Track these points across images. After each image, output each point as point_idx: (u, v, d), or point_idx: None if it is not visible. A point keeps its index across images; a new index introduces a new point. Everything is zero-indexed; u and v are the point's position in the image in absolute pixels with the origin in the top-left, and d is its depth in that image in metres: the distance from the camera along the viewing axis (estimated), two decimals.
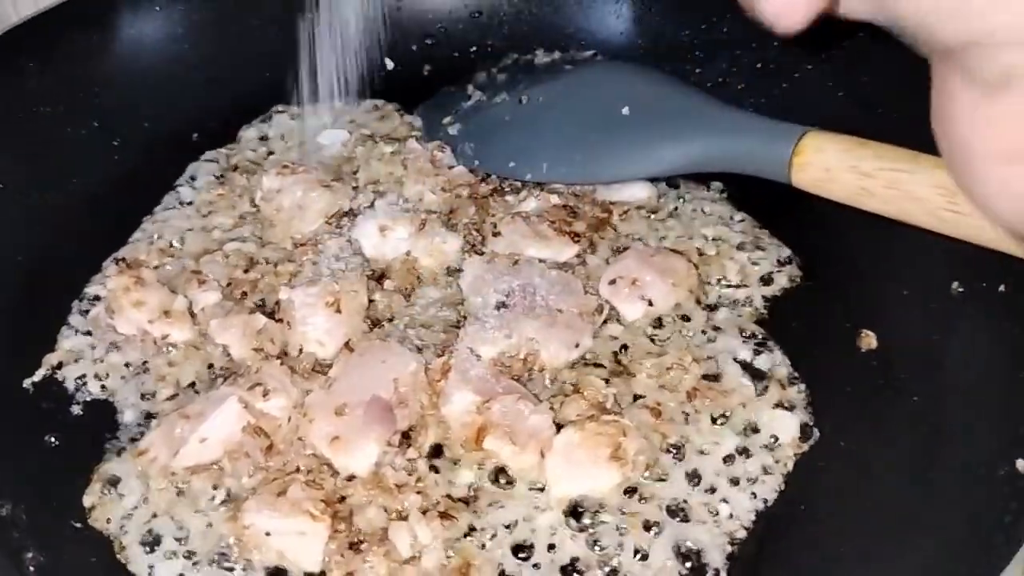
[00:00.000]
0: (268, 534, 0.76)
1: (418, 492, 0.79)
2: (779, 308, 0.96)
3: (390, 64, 1.25)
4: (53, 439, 0.86)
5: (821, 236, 0.99)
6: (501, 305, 0.92)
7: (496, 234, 1.01)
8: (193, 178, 1.10)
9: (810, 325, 0.94)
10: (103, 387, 0.90)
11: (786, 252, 1.01)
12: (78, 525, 0.80)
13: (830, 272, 0.98)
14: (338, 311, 0.91)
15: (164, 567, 0.76)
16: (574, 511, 0.79)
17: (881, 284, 0.95)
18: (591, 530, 0.78)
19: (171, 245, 1.02)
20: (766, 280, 0.98)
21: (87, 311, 0.96)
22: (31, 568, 0.76)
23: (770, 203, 1.02)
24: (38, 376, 0.91)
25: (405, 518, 0.77)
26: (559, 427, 0.82)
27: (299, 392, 0.85)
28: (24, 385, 0.90)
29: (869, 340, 0.92)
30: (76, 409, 0.88)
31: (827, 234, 0.98)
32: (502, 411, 0.82)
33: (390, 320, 0.94)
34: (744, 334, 0.93)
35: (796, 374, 0.90)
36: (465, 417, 0.83)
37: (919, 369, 0.87)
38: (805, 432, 0.86)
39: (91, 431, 0.86)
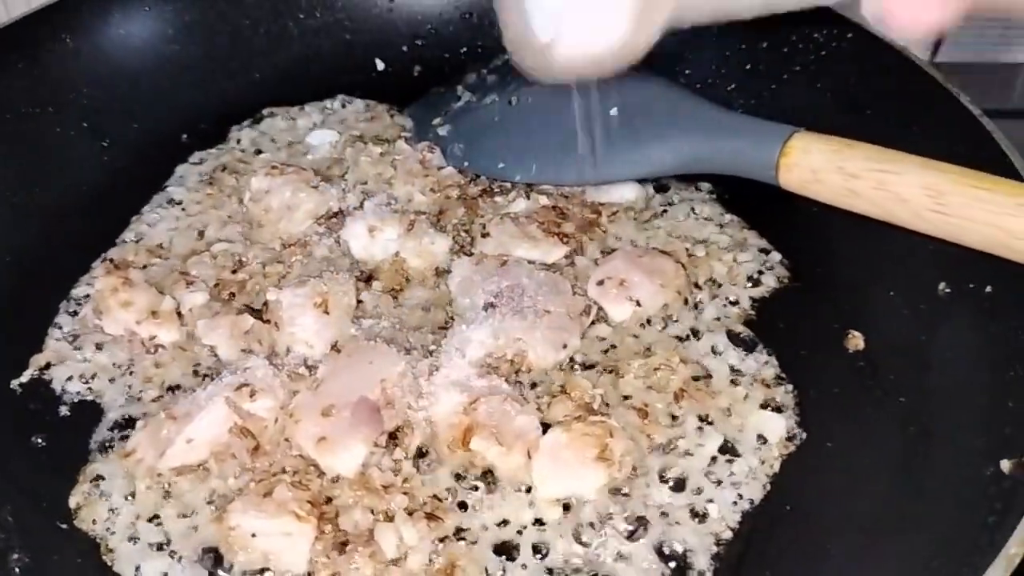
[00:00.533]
0: (254, 535, 0.76)
1: (404, 493, 0.79)
2: (767, 309, 0.96)
3: (380, 65, 1.25)
4: (40, 440, 0.86)
5: (809, 238, 1.00)
6: (489, 306, 0.92)
7: (485, 235, 1.01)
8: (182, 179, 1.10)
9: (798, 326, 0.94)
10: (90, 388, 0.89)
11: (774, 254, 1.01)
12: (64, 526, 0.79)
13: (818, 273, 0.99)
14: (326, 312, 0.91)
15: (150, 567, 0.76)
16: (560, 511, 0.79)
17: (868, 285, 0.95)
18: (577, 531, 0.78)
19: (159, 246, 1.02)
20: (754, 281, 0.99)
21: (75, 312, 0.96)
22: (16, 569, 0.76)
23: (759, 204, 1.02)
24: (25, 377, 0.90)
25: (391, 519, 0.77)
26: (546, 428, 0.82)
27: (286, 393, 0.85)
28: (11, 386, 0.90)
29: (856, 341, 0.92)
30: (63, 410, 0.88)
31: (815, 236, 0.99)
32: (489, 412, 0.82)
33: (378, 321, 0.93)
34: (732, 335, 0.93)
35: (783, 375, 0.90)
36: (452, 418, 0.83)
37: (906, 370, 0.87)
38: (792, 433, 0.86)
39: (78, 432, 0.86)
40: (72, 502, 0.81)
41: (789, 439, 0.85)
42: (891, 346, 0.90)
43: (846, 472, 0.82)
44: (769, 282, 0.98)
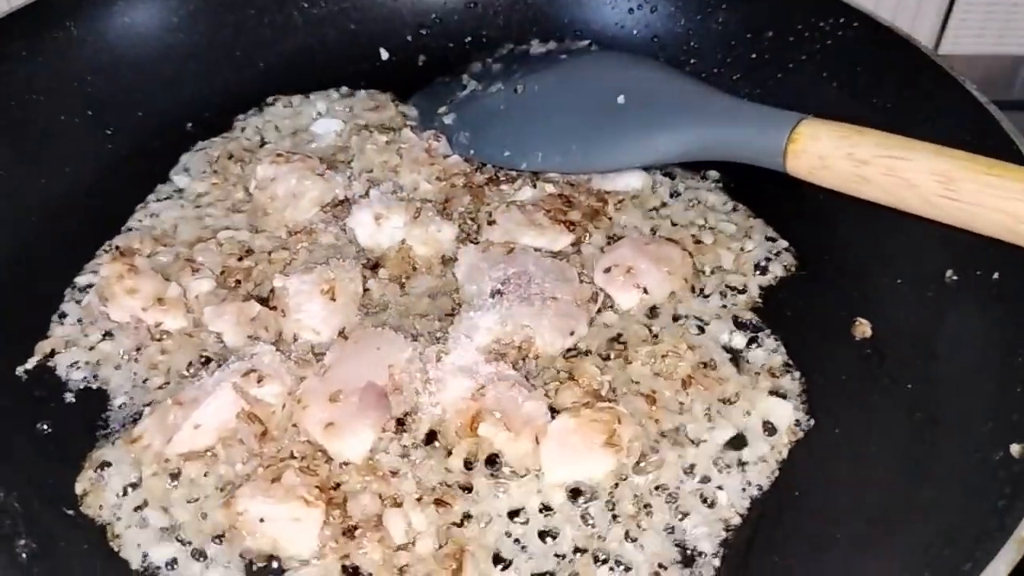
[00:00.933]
0: (262, 520, 0.76)
1: (412, 479, 0.79)
2: (774, 297, 0.96)
3: (385, 54, 1.25)
4: (46, 426, 0.86)
5: (816, 225, 1.00)
6: (496, 293, 0.92)
7: (491, 223, 1.00)
8: (187, 167, 1.10)
9: (805, 314, 0.94)
10: (96, 375, 0.89)
11: (781, 241, 1.01)
12: (70, 512, 0.79)
13: (825, 261, 0.99)
14: (333, 299, 0.90)
15: (157, 553, 0.76)
16: (568, 497, 0.79)
17: (876, 272, 0.95)
18: (585, 516, 0.78)
19: (165, 233, 1.01)
20: (761, 269, 0.98)
21: (80, 300, 0.95)
22: (23, 555, 0.76)
23: (765, 193, 1.02)
24: (31, 364, 0.90)
25: (399, 504, 0.77)
26: (554, 414, 0.82)
27: (293, 379, 0.85)
28: (17, 373, 0.89)
29: (864, 328, 0.92)
30: (69, 397, 0.88)
31: (822, 223, 0.99)
32: (496, 398, 0.82)
33: (385, 308, 0.93)
34: (739, 322, 0.93)
35: (791, 362, 0.90)
36: (460, 404, 0.82)
37: (913, 357, 0.87)
38: (799, 420, 0.86)
39: (84, 418, 0.86)
40: (78, 488, 0.80)
41: (797, 426, 0.85)
42: (898, 333, 0.90)
43: (854, 459, 0.82)
44: (776, 270, 0.98)
